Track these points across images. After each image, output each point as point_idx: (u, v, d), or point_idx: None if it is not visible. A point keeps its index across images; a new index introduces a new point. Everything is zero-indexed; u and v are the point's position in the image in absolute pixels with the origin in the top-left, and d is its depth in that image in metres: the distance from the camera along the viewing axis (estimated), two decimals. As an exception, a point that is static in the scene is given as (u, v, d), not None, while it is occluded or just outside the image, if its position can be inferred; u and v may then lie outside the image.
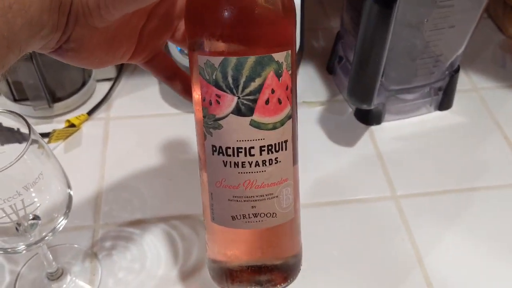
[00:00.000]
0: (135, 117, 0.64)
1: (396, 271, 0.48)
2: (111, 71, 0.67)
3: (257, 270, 0.39)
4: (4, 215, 0.35)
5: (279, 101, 0.34)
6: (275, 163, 0.35)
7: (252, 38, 0.33)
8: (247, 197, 0.35)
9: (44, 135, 0.59)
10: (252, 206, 0.35)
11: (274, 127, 0.34)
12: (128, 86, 0.68)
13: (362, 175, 0.57)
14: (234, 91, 0.33)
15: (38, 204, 0.37)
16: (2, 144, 0.41)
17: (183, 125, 0.62)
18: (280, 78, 0.33)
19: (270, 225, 0.36)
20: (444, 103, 0.64)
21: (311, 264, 0.43)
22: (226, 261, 0.39)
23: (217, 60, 0.32)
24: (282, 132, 0.35)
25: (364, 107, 0.56)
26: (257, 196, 0.35)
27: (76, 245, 0.50)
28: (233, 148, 0.34)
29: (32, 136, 0.35)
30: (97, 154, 0.59)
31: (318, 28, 0.77)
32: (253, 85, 0.33)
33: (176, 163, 0.58)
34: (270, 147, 0.34)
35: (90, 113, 0.63)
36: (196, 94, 0.35)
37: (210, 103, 0.34)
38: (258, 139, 0.34)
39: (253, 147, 0.34)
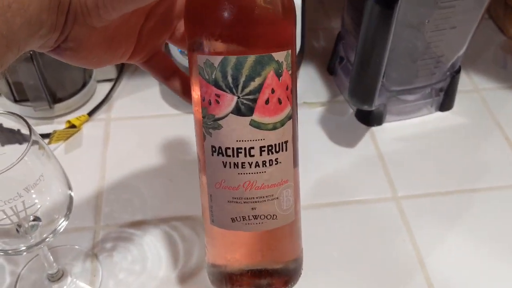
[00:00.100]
0: (135, 118, 0.63)
1: (397, 272, 0.48)
2: (111, 72, 0.67)
3: (257, 274, 0.38)
4: (5, 216, 0.35)
5: (279, 101, 0.34)
6: (275, 164, 0.34)
7: (251, 38, 0.33)
8: (247, 198, 0.35)
9: (44, 136, 0.59)
10: (252, 208, 0.35)
11: (274, 127, 0.34)
12: (128, 87, 0.68)
13: (363, 176, 0.57)
14: (234, 90, 0.32)
15: (38, 206, 0.37)
16: (3, 145, 0.41)
17: (183, 125, 0.62)
18: (280, 78, 0.33)
19: (270, 227, 0.36)
20: (445, 104, 0.64)
21: (311, 265, 0.43)
22: (226, 265, 0.39)
23: (216, 60, 0.32)
24: (282, 133, 0.34)
25: (365, 108, 0.56)
26: (257, 198, 0.35)
27: (76, 246, 0.49)
28: (233, 148, 0.34)
29: (33, 137, 0.35)
30: (98, 155, 0.58)
31: (319, 29, 0.77)
32: (253, 85, 0.32)
33: (176, 164, 0.58)
34: (270, 148, 0.34)
35: (90, 114, 0.63)
36: (196, 94, 0.35)
37: (210, 103, 0.33)
38: (258, 140, 0.34)
39: (253, 148, 0.34)
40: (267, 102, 0.33)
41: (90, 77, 0.65)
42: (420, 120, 0.64)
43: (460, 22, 0.53)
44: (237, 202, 0.35)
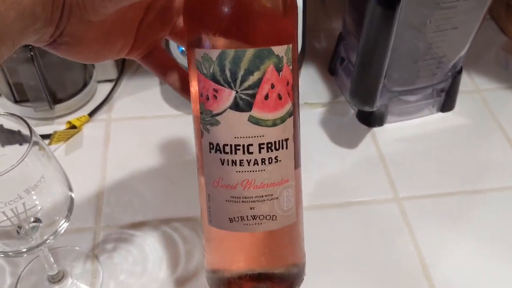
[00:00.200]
0: (136, 118, 0.63)
1: (399, 273, 0.48)
2: (112, 72, 0.67)
3: (256, 278, 0.37)
4: (5, 218, 0.35)
5: (279, 97, 0.33)
6: (275, 162, 0.33)
7: (250, 31, 0.32)
8: (245, 197, 0.34)
9: (45, 136, 0.59)
10: (251, 208, 0.34)
11: (274, 123, 0.33)
12: (129, 87, 0.67)
13: (364, 177, 0.57)
14: (232, 85, 0.32)
15: (39, 207, 0.37)
16: (3, 146, 0.40)
17: (184, 126, 0.61)
18: (281, 73, 0.32)
19: (269, 228, 0.35)
20: (447, 105, 0.64)
21: (313, 266, 0.43)
22: (224, 269, 0.38)
23: (214, 53, 0.31)
24: (282, 130, 0.33)
25: (367, 108, 0.55)
26: (255, 197, 0.34)
27: (77, 248, 0.49)
28: (231, 145, 0.33)
29: (34, 138, 0.35)
30: (98, 155, 0.58)
31: (320, 29, 0.77)
32: (252, 79, 0.32)
33: (177, 165, 0.58)
34: (269, 145, 0.33)
35: (91, 114, 0.63)
36: (194, 90, 0.34)
37: (207, 98, 0.33)
38: (257, 136, 0.33)
39: (251, 145, 0.33)
40: (266, 97, 0.32)
41: (91, 77, 0.65)
42: (421, 120, 0.64)
43: (461, 23, 0.53)
44: (235, 202, 0.34)
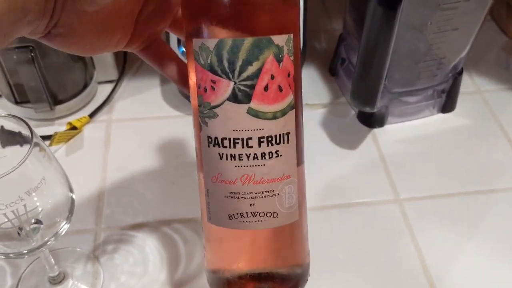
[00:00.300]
0: (137, 119, 0.63)
1: (400, 274, 0.48)
2: (112, 73, 0.67)
3: (257, 278, 0.35)
4: (6, 220, 0.35)
5: (280, 89, 0.31)
6: (276, 156, 0.32)
7: (248, 19, 0.31)
8: (245, 193, 0.32)
9: (45, 137, 0.59)
10: (251, 204, 0.33)
11: (274, 116, 0.32)
12: (130, 88, 0.67)
13: (365, 178, 0.57)
14: (230, 75, 0.31)
15: (40, 209, 0.37)
16: (3, 147, 0.40)
17: (185, 127, 0.61)
18: (281, 64, 0.31)
19: (270, 226, 0.33)
20: (448, 106, 0.64)
21: (314, 266, 0.43)
22: (224, 269, 0.37)
23: (212, 43, 0.30)
24: (283, 123, 0.32)
25: (368, 110, 0.55)
26: (255, 193, 0.32)
27: (78, 249, 0.49)
28: (229, 139, 0.32)
29: (34, 140, 0.35)
30: (99, 156, 0.58)
31: (321, 30, 0.77)
32: (251, 69, 0.30)
33: (178, 166, 0.58)
34: (270, 139, 0.32)
35: (91, 115, 0.63)
36: (192, 82, 0.33)
37: (205, 90, 0.31)
38: (257, 129, 0.31)
39: (250, 138, 0.31)
40: (266, 88, 0.31)
41: (91, 78, 0.65)
42: (422, 121, 0.63)
43: (462, 24, 0.53)
44: (234, 198, 0.33)
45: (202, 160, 0.34)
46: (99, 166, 0.57)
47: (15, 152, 0.39)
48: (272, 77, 0.31)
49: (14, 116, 0.37)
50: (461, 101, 0.64)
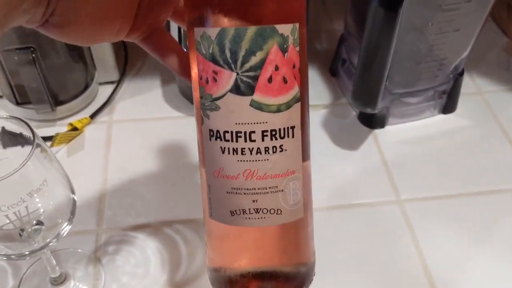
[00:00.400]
0: (138, 120, 0.63)
1: (401, 274, 0.48)
2: (113, 74, 0.67)
3: (259, 276, 0.34)
4: (8, 221, 0.35)
5: (284, 80, 0.30)
6: (280, 151, 0.31)
7: (251, 7, 0.29)
8: (247, 189, 0.31)
9: (46, 138, 0.59)
10: (253, 200, 0.31)
11: (279, 109, 0.30)
12: (130, 89, 0.67)
13: (366, 178, 0.57)
14: (232, 66, 0.29)
15: (42, 210, 0.37)
16: (4, 148, 0.40)
17: (186, 128, 0.61)
18: (286, 54, 0.30)
19: (273, 223, 0.32)
20: (448, 107, 0.64)
21: (316, 267, 0.43)
22: (226, 267, 0.35)
23: (213, 32, 0.29)
24: (288, 116, 0.31)
25: (369, 111, 0.55)
26: (258, 189, 0.31)
27: (79, 250, 0.49)
28: (232, 132, 0.30)
29: (36, 141, 0.35)
30: (100, 157, 0.58)
31: (321, 31, 0.77)
32: (254, 60, 0.29)
33: (179, 167, 0.58)
34: (273, 133, 0.31)
35: (92, 116, 0.63)
36: (194, 73, 0.32)
37: (207, 81, 0.30)
38: (260, 123, 0.30)
39: (253, 132, 0.30)
40: (270, 80, 0.30)
41: (92, 79, 0.65)
42: (423, 122, 0.64)
43: (463, 25, 0.53)
44: (236, 193, 0.32)
45: (204, 154, 0.33)
46: (100, 167, 0.57)
47: (17, 153, 0.39)
48: (277, 68, 0.30)
49: (15, 118, 0.37)
50: (462, 102, 0.65)
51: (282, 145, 0.31)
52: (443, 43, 0.54)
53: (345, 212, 0.53)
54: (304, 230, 0.35)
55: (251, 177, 0.31)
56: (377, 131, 0.62)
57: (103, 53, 0.64)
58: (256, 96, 0.30)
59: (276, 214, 0.32)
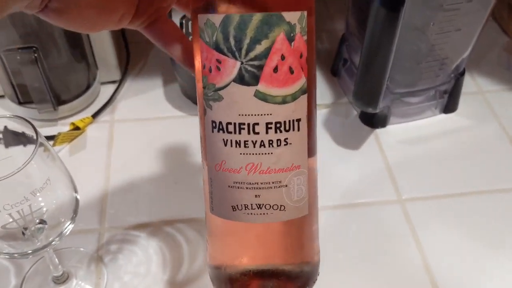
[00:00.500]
0: (139, 119, 0.64)
1: (402, 274, 0.48)
2: (115, 74, 0.67)
3: (261, 275, 0.33)
4: (11, 220, 0.35)
5: (291, 70, 0.29)
6: (285, 144, 0.30)
7: None
8: (250, 183, 0.30)
9: (48, 138, 0.59)
10: (256, 195, 0.30)
11: (284, 101, 0.29)
12: (132, 88, 0.68)
13: (367, 178, 0.57)
14: (237, 54, 0.28)
15: (45, 209, 0.37)
16: (7, 147, 0.41)
17: (188, 127, 0.62)
18: (292, 43, 0.28)
19: (276, 219, 0.31)
20: (450, 106, 0.64)
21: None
22: (227, 264, 0.34)
23: (218, 19, 0.28)
24: (293, 108, 0.30)
25: (370, 110, 0.55)
26: (261, 183, 0.30)
27: (81, 249, 0.49)
28: (235, 123, 0.29)
29: (39, 140, 0.35)
30: (102, 157, 0.59)
31: (323, 30, 0.77)
32: (259, 48, 0.28)
33: (181, 166, 0.58)
34: (278, 125, 0.29)
35: (94, 115, 0.63)
36: (197, 62, 0.31)
37: (210, 70, 0.29)
38: (264, 114, 0.29)
39: (257, 124, 0.29)
40: (275, 70, 0.28)
41: (94, 79, 0.65)
42: (424, 122, 0.64)
43: (465, 25, 0.53)
44: (238, 188, 0.30)
45: (206, 147, 0.32)
46: (102, 166, 0.57)
47: (19, 152, 0.39)
48: (283, 57, 0.29)
49: (19, 117, 0.37)
50: (463, 101, 0.65)
51: (287, 138, 0.30)
52: (444, 43, 0.54)
53: (346, 212, 0.54)
54: (308, 228, 0.34)
55: (254, 171, 0.30)
56: (378, 131, 0.62)
57: (105, 53, 0.64)
58: (261, 87, 0.29)
59: (279, 210, 0.31)
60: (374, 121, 0.62)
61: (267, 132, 0.29)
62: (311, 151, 0.32)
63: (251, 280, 0.34)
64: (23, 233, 0.38)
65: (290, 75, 0.29)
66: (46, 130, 0.61)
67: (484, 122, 0.64)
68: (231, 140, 0.30)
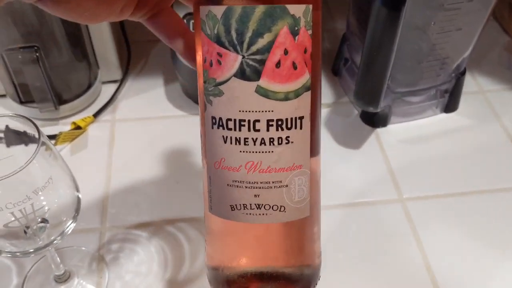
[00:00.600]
0: (141, 119, 0.64)
1: (403, 273, 0.48)
2: (116, 73, 0.67)
3: (259, 277, 0.33)
4: (13, 219, 0.35)
5: (294, 66, 0.28)
6: (286, 143, 0.29)
7: None
8: (249, 182, 0.29)
9: (50, 137, 0.59)
10: (255, 195, 0.30)
11: (286, 97, 0.28)
12: (133, 88, 0.68)
13: (368, 177, 0.57)
14: (238, 48, 0.27)
15: (47, 208, 0.37)
16: (8, 146, 0.41)
17: (189, 127, 0.62)
18: (296, 37, 0.27)
19: (276, 220, 0.30)
20: (450, 105, 0.64)
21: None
22: (224, 266, 0.34)
23: (219, 10, 0.27)
24: (296, 106, 0.29)
25: (371, 109, 0.56)
26: (261, 183, 0.29)
27: (83, 248, 0.50)
28: (235, 120, 0.28)
29: (42, 139, 0.35)
30: (103, 156, 0.59)
31: (324, 30, 0.77)
32: (261, 42, 0.27)
33: (182, 165, 0.58)
34: (280, 122, 0.28)
35: (96, 115, 0.63)
36: (199, 56, 0.30)
37: (211, 64, 0.28)
38: (265, 111, 0.28)
39: (258, 120, 0.28)
40: (278, 65, 0.28)
41: (95, 78, 0.65)
42: (425, 121, 0.64)
43: (465, 24, 0.53)
44: (237, 186, 0.30)
45: (206, 144, 0.31)
46: (104, 166, 0.57)
47: (21, 151, 0.39)
48: (286, 52, 0.28)
49: (21, 116, 0.37)
50: (464, 101, 0.65)
51: (288, 136, 0.29)
52: (445, 42, 0.54)
53: (347, 211, 0.54)
54: (309, 230, 0.33)
55: (254, 169, 0.29)
56: (379, 130, 0.62)
57: (106, 52, 0.64)
58: (262, 82, 0.28)
59: (279, 211, 0.30)
60: (375, 120, 0.62)
61: (268, 130, 0.28)
62: (314, 150, 0.31)
63: (250, 282, 0.33)
64: (25, 232, 0.38)
65: (293, 71, 0.28)
66: (47, 130, 0.61)
67: (484, 121, 0.64)
68: (230, 137, 0.29)
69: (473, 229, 0.52)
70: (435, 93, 0.62)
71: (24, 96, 0.61)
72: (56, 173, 0.37)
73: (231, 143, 0.29)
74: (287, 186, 0.30)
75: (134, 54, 0.70)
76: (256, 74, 0.28)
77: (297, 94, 0.28)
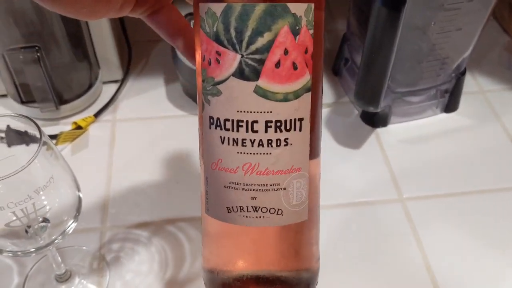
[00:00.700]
0: (141, 119, 0.64)
1: (403, 273, 0.48)
2: (117, 73, 0.67)
3: (255, 281, 0.32)
4: (15, 218, 0.35)
5: (294, 66, 0.27)
6: (285, 145, 0.28)
7: None
8: (247, 184, 0.29)
9: (51, 137, 0.59)
10: (252, 197, 0.29)
11: (286, 98, 0.27)
12: (134, 88, 0.68)
13: (368, 177, 0.57)
14: (237, 47, 0.27)
15: (48, 207, 0.37)
16: (9, 146, 0.41)
17: (190, 126, 0.62)
18: (297, 37, 0.27)
19: (273, 224, 0.30)
20: (450, 105, 0.64)
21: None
22: (220, 269, 0.33)
23: (219, 8, 0.26)
24: (296, 107, 0.28)
25: (371, 109, 0.56)
26: (258, 185, 0.29)
27: (84, 247, 0.50)
28: (233, 120, 0.28)
29: (43, 139, 0.35)
30: (104, 156, 0.59)
31: (324, 30, 0.77)
32: (261, 41, 0.26)
33: (183, 165, 0.58)
34: (278, 124, 0.28)
35: (96, 115, 0.63)
36: (197, 54, 0.29)
37: (210, 63, 0.28)
38: (264, 112, 0.27)
39: (256, 121, 0.28)
40: (277, 65, 0.27)
41: (96, 78, 0.65)
42: (425, 121, 0.64)
43: (465, 24, 0.53)
44: (234, 188, 0.29)
45: (203, 144, 0.30)
46: (104, 166, 0.58)
47: (22, 151, 0.39)
48: (286, 52, 0.27)
49: (22, 116, 0.37)
50: (464, 101, 0.65)
51: (287, 138, 0.28)
52: (445, 42, 0.54)
53: (347, 211, 0.54)
54: (307, 234, 0.33)
55: (251, 171, 0.29)
56: (379, 130, 0.62)
57: (107, 52, 0.64)
58: (261, 82, 0.27)
59: (277, 214, 0.30)
60: (375, 120, 0.62)
61: (266, 131, 0.28)
62: (313, 153, 0.30)
63: (246, 285, 0.32)
64: (26, 231, 0.38)
65: (293, 71, 0.27)
66: (48, 129, 0.61)
67: (484, 121, 0.64)
68: (228, 138, 0.28)
69: (473, 229, 0.52)
70: (435, 93, 0.62)
71: (25, 96, 0.61)
72: (57, 173, 0.37)
73: (228, 144, 0.28)
74: (285, 189, 0.29)
75: (135, 54, 0.70)
76: (255, 74, 0.27)
77: (297, 95, 0.28)
